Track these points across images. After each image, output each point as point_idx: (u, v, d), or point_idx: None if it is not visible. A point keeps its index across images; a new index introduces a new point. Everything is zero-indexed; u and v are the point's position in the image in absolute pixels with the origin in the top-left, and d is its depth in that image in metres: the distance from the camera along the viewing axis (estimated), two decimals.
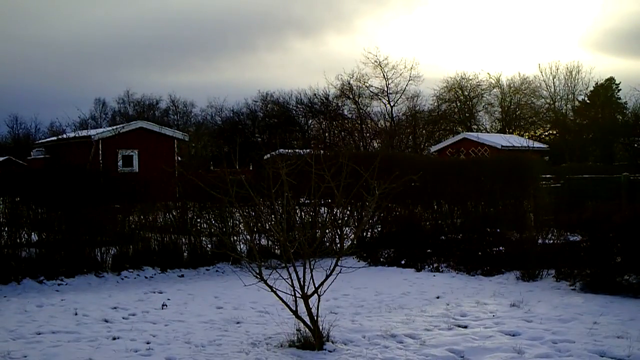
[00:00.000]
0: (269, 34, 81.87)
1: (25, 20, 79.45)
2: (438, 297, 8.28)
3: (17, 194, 10.77)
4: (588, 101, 48.59)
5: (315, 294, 5.81)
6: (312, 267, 5.80)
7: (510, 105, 47.80)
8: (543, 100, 48.78)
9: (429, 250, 11.35)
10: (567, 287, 8.74)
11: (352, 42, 77.29)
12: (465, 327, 6.53)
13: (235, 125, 52.10)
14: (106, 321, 6.95)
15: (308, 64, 77.73)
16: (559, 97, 49.05)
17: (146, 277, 10.17)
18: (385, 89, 46.43)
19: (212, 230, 11.56)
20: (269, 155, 15.72)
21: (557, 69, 49.32)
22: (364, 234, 12.40)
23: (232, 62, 79.97)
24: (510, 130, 44.38)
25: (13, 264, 9.58)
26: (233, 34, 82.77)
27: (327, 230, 11.19)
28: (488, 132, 42.56)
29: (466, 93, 47.42)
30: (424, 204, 13.29)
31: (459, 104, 47.89)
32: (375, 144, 42.51)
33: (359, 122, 46.33)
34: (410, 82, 46.34)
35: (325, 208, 11.75)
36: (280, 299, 5.85)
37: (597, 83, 48.16)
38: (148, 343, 5.98)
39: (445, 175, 13.55)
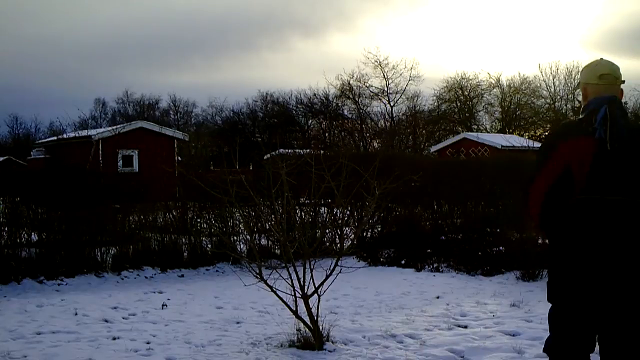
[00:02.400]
0: (270, 34, 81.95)
1: (25, 20, 79.47)
2: (438, 297, 8.28)
3: (17, 194, 10.77)
4: None
5: (315, 294, 5.81)
6: (312, 267, 5.80)
7: (510, 105, 47.80)
8: (543, 100, 48.80)
9: (429, 250, 11.35)
10: None
11: (354, 41, 77.39)
12: (465, 327, 6.52)
13: (236, 125, 52.14)
14: (106, 321, 6.95)
15: (310, 63, 77.84)
16: (559, 97, 49.05)
17: (146, 277, 10.17)
18: (385, 89, 46.49)
19: (212, 230, 11.56)
20: (269, 155, 15.72)
21: (557, 69, 49.38)
22: (364, 234, 12.40)
23: (234, 62, 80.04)
24: (510, 130, 44.37)
25: (13, 264, 9.57)
26: (235, 34, 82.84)
27: (327, 230, 11.19)
28: (488, 132, 42.56)
29: (466, 93, 47.44)
30: (424, 204, 13.29)
31: (459, 104, 47.90)
32: (375, 144, 42.54)
33: (359, 122, 46.36)
34: (410, 82, 46.42)
35: (325, 208, 11.75)
36: (280, 299, 5.85)
37: None
38: (148, 343, 5.97)
39: (445, 175, 13.54)
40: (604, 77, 3.25)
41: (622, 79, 3.31)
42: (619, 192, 3.01)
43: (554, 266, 3.21)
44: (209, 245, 11.29)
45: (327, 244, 11.03)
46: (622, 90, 3.34)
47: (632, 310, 3.02)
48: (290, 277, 5.83)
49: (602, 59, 3.34)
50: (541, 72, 52.63)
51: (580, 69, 3.70)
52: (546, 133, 47.40)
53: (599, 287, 3.00)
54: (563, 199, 3.03)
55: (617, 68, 3.35)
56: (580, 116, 3.23)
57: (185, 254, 11.06)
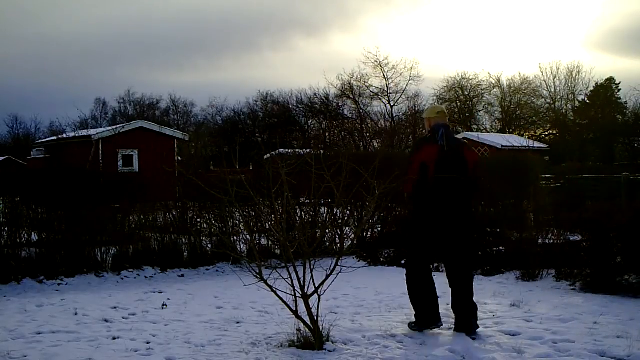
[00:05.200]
0: (272, 33, 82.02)
1: (25, 20, 79.51)
2: (438, 297, 8.25)
3: (17, 194, 10.77)
4: (588, 101, 48.61)
5: (315, 294, 5.80)
6: (312, 267, 5.79)
7: (510, 105, 47.83)
8: (543, 100, 48.84)
9: None
10: (567, 287, 8.74)
11: (356, 41, 77.53)
12: None
13: (236, 125, 52.14)
14: (106, 321, 6.95)
15: (311, 63, 77.98)
16: (559, 97, 49.08)
17: (146, 277, 10.17)
18: (386, 89, 46.53)
19: (212, 230, 11.55)
20: (269, 155, 15.72)
21: (558, 69, 49.40)
22: (364, 234, 12.40)
23: (235, 62, 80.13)
24: (510, 130, 44.41)
25: (13, 264, 9.57)
26: (237, 34, 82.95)
27: (327, 230, 11.19)
28: (488, 132, 42.57)
29: (466, 93, 47.48)
30: None
31: (459, 104, 47.94)
32: (375, 144, 42.56)
33: (359, 122, 46.38)
34: (410, 82, 46.46)
35: (325, 208, 11.75)
36: (280, 299, 5.85)
37: (597, 83, 48.20)
38: (148, 343, 5.97)
39: None
40: (439, 113, 6.38)
41: (446, 113, 6.48)
42: (452, 172, 5.93)
43: (419, 214, 6.14)
44: (209, 245, 11.29)
45: (327, 244, 11.04)
46: (446, 117, 6.42)
47: (460, 237, 6.05)
48: (290, 277, 5.82)
49: (436, 104, 5.23)
50: (541, 72, 52.70)
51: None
52: (546, 133, 47.52)
53: (443, 224, 5.98)
54: (425, 179, 5.95)
55: (443, 108, 6.62)
56: (428, 135, 6.22)
57: (185, 254, 11.05)
